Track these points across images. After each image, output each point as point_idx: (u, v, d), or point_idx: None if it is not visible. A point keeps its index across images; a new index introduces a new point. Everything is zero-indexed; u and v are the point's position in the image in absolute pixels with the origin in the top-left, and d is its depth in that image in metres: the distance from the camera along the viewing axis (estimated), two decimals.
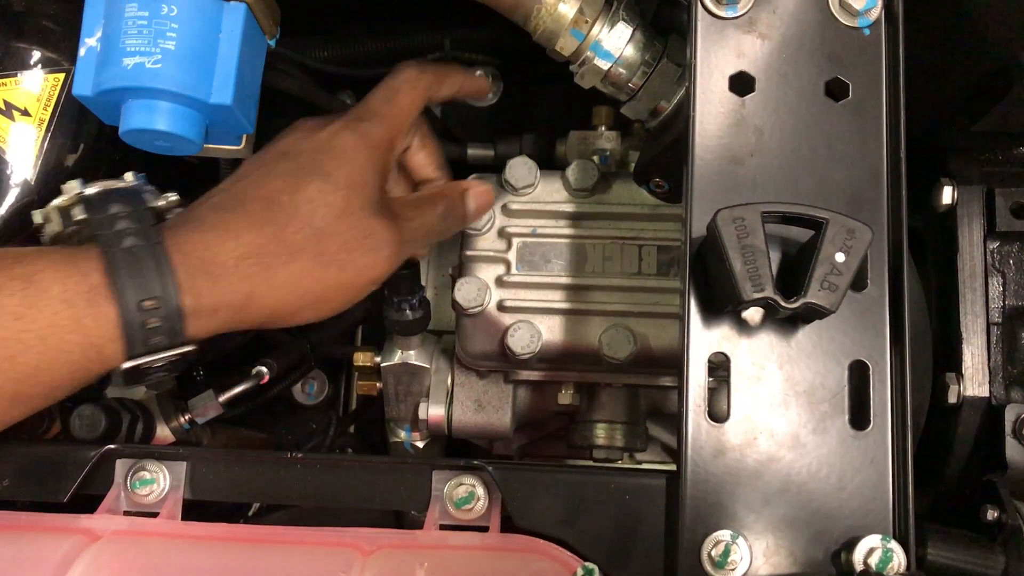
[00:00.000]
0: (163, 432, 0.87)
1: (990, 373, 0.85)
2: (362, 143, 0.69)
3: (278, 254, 0.64)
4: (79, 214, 0.63)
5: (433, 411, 0.91)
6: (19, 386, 0.58)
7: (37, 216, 0.68)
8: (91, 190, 0.66)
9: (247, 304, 0.64)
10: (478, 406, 0.91)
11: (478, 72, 0.89)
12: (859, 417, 0.58)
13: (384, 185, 0.72)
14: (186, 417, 0.89)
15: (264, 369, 0.93)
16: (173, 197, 0.67)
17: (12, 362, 0.57)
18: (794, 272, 0.59)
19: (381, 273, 0.69)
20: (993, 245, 0.86)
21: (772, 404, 0.58)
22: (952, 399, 0.85)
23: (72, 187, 0.66)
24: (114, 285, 0.58)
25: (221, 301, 0.62)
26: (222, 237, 0.63)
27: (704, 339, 0.59)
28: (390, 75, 0.75)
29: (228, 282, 0.62)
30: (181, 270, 0.60)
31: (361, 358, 0.94)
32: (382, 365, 0.92)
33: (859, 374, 0.59)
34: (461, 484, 0.62)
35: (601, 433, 0.89)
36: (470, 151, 0.99)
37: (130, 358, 0.60)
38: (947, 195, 0.87)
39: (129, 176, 0.68)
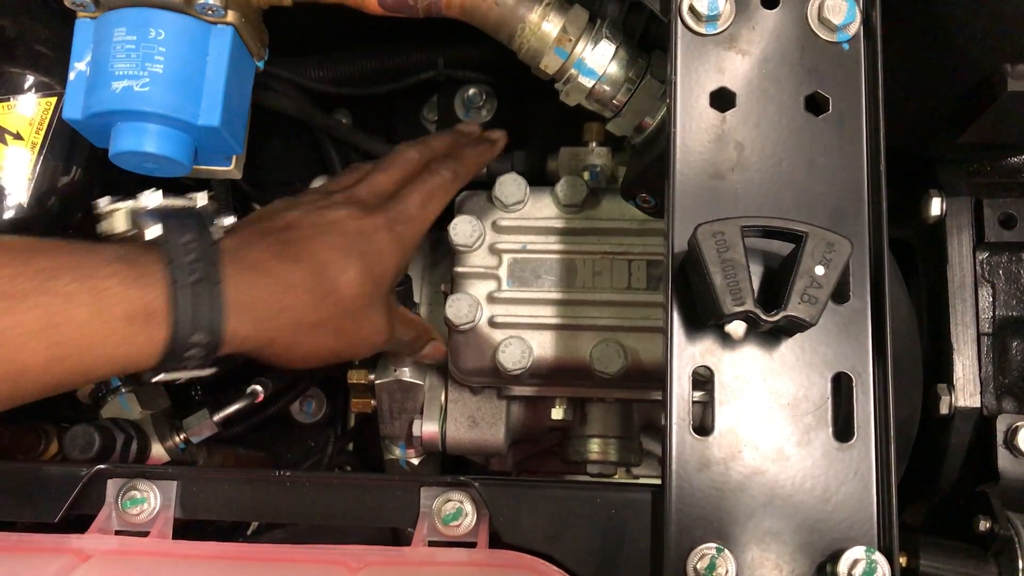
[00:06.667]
0: (158, 451, 0.88)
1: (981, 384, 0.85)
2: (398, 246, 0.77)
3: (310, 315, 0.71)
4: (156, 231, 0.66)
5: (427, 428, 0.91)
6: (64, 377, 0.63)
7: (101, 206, 0.70)
8: (167, 205, 0.69)
9: (267, 345, 0.70)
10: (472, 422, 0.91)
11: (495, 136, 0.91)
12: (843, 429, 0.58)
13: (399, 278, 0.82)
14: (181, 436, 0.90)
15: (259, 388, 0.93)
16: (228, 223, 0.71)
17: (67, 360, 0.62)
18: (776, 285, 0.59)
19: (367, 354, 0.81)
20: (982, 256, 0.87)
21: (756, 417, 0.59)
22: (944, 410, 0.85)
23: (154, 197, 0.69)
24: (172, 316, 0.63)
25: (251, 338, 0.68)
26: (273, 286, 0.69)
27: (687, 353, 0.59)
28: (426, 177, 0.82)
29: (264, 326, 0.69)
30: (232, 309, 0.66)
31: (355, 376, 0.94)
32: (376, 382, 0.93)
33: (843, 386, 0.59)
34: (449, 500, 0.62)
35: (595, 448, 0.90)
36: None
37: (160, 372, 0.66)
38: (936, 206, 0.87)
39: (202, 198, 0.71)
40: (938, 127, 0.82)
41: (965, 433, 0.85)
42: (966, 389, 0.85)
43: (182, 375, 0.68)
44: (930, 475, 0.87)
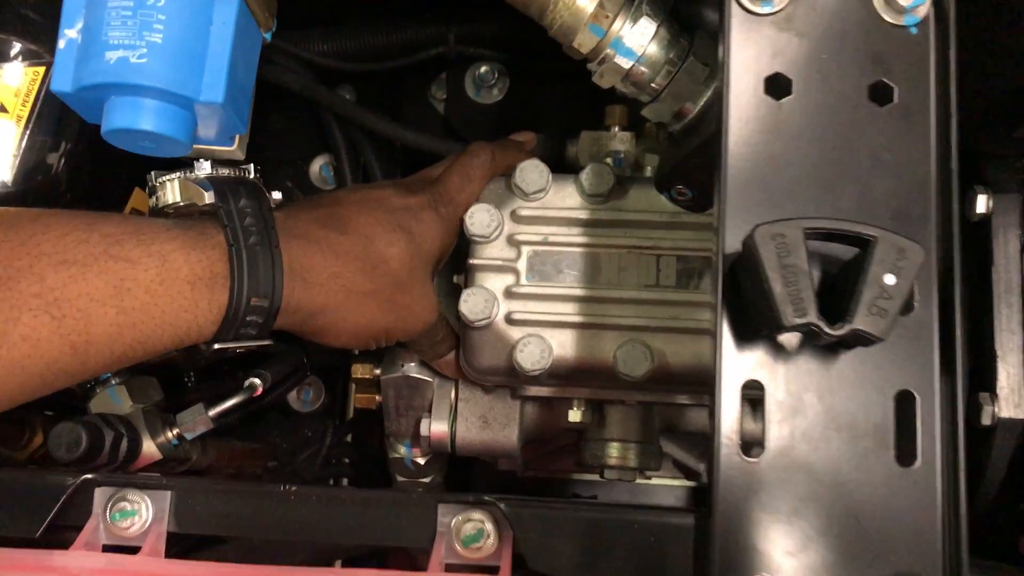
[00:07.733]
0: (150, 448, 0.83)
1: None
2: (440, 225, 0.78)
3: (360, 283, 0.72)
4: (207, 198, 0.68)
5: (436, 427, 0.87)
6: (128, 349, 0.62)
7: (153, 178, 0.73)
8: (219, 174, 0.73)
9: (317, 313, 0.70)
10: (484, 422, 0.87)
11: (532, 141, 0.92)
12: (906, 452, 0.54)
13: (443, 261, 0.83)
14: (174, 432, 0.85)
15: (257, 381, 0.88)
16: (278, 196, 0.73)
17: (134, 329, 0.61)
18: (833, 293, 0.54)
19: (417, 330, 0.79)
20: None
21: (811, 438, 0.54)
22: (986, 420, 0.80)
23: (205, 166, 0.74)
24: (233, 277, 0.64)
25: (303, 305, 0.69)
26: (324, 252, 0.70)
27: (737, 366, 0.54)
28: (466, 157, 0.82)
29: (315, 291, 0.69)
30: (287, 274, 0.66)
31: (360, 370, 0.91)
32: (382, 377, 0.89)
33: (905, 406, 0.54)
34: (469, 520, 0.58)
35: (614, 452, 0.86)
36: None
37: (218, 341, 0.66)
38: (981, 204, 0.82)
39: (251, 168, 0.74)
40: (992, 119, 0.78)
41: (1008, 445, 0.81)
42: (1011, 399, 0.81)
43: (239, 345, 0.67)
44: (970, 489, 0.82)
